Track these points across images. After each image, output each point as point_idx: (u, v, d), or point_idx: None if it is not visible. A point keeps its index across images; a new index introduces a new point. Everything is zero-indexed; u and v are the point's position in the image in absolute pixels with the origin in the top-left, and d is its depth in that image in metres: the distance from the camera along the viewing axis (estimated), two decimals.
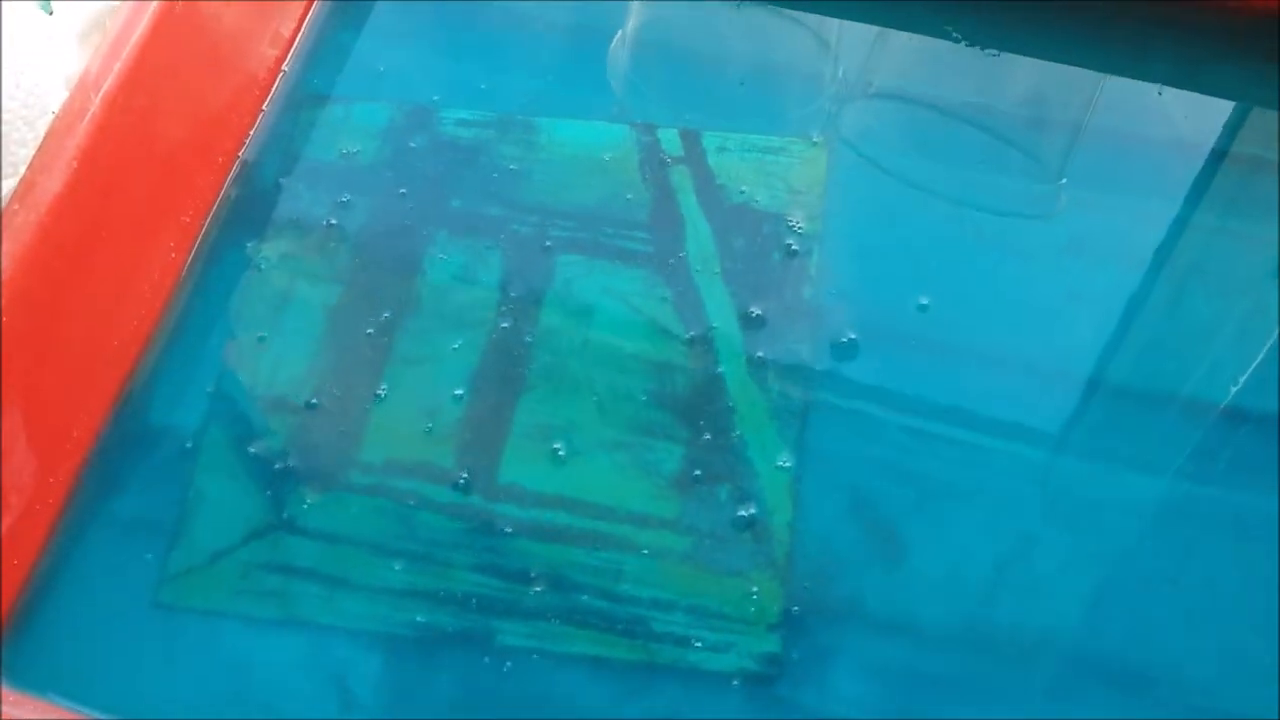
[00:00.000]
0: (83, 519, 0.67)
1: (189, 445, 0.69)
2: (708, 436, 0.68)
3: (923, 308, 0.72)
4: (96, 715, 0.59)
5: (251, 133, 0.80)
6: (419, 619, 0.64)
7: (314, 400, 0.71)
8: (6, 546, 0.63)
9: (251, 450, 0.69)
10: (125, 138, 0.71)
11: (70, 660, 0.63)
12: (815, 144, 0.78)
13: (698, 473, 0.67)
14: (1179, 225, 0.77)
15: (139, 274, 0.73)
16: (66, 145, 0.68)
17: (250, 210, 0.78)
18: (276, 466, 0.69)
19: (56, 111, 0.70)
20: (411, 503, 0.67)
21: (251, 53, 0.82)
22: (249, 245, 0.76)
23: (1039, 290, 0.74)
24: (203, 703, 0.62)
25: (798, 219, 0.75)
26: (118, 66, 0.71)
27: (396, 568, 0.65)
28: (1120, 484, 0.68)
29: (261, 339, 0.73)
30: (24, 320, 0.65)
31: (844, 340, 0.71)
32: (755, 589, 0.64)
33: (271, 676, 0.63)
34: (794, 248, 0.74)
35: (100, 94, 0.70)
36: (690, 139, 0.79)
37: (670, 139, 0.79)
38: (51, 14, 0.82)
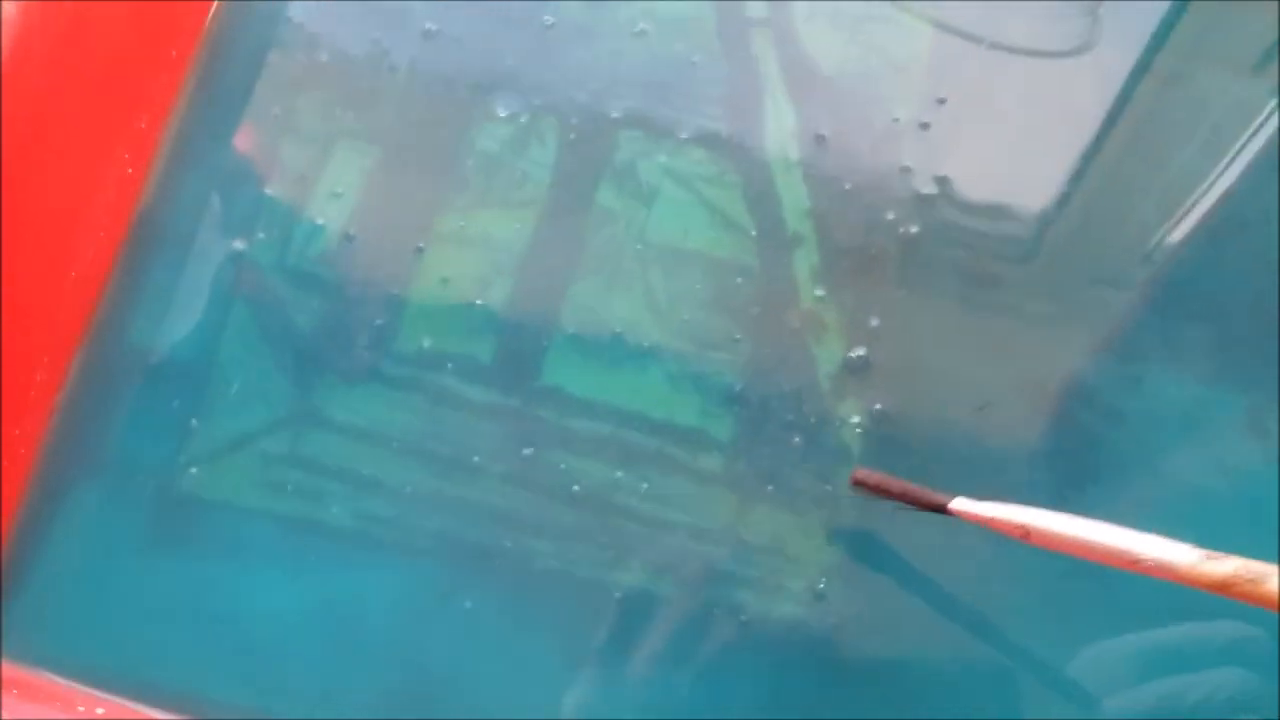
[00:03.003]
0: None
1: (211, 325, 0.65)
2: (770, 350, 0.61)
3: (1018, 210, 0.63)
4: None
5: None
6: (444, 530, 0.59)
7: (346, 279, 0.65)
8: None
9: (276, 333, 0.64)
10: None
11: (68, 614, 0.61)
12: (917, 14, 0.68)
13: (756, 391, 0.61)
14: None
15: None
16: None
17: (276, 57, 0.70)
18: (302, 351, 0.64)
19: None
20: (444, 400, 0.62)
21: None
22: (275, 97, 0.69)
23: None
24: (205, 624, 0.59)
25: (896, 97, 0.66)
26: None
27: (424, 471, 0.61)
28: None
29: (292, 206, 0.67)
30: None
31: (940, 245, 0.63)
32: (810, 524, 0.58)
33: (285, 583, 0.60)
34: (888, 131, 0.65)
35: None
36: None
37: None
38: None
